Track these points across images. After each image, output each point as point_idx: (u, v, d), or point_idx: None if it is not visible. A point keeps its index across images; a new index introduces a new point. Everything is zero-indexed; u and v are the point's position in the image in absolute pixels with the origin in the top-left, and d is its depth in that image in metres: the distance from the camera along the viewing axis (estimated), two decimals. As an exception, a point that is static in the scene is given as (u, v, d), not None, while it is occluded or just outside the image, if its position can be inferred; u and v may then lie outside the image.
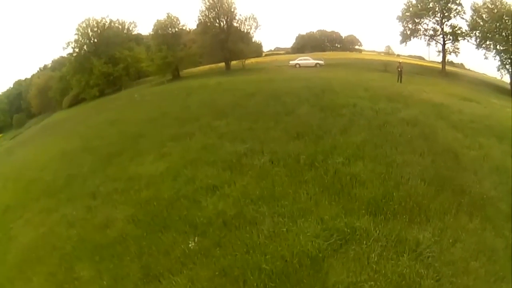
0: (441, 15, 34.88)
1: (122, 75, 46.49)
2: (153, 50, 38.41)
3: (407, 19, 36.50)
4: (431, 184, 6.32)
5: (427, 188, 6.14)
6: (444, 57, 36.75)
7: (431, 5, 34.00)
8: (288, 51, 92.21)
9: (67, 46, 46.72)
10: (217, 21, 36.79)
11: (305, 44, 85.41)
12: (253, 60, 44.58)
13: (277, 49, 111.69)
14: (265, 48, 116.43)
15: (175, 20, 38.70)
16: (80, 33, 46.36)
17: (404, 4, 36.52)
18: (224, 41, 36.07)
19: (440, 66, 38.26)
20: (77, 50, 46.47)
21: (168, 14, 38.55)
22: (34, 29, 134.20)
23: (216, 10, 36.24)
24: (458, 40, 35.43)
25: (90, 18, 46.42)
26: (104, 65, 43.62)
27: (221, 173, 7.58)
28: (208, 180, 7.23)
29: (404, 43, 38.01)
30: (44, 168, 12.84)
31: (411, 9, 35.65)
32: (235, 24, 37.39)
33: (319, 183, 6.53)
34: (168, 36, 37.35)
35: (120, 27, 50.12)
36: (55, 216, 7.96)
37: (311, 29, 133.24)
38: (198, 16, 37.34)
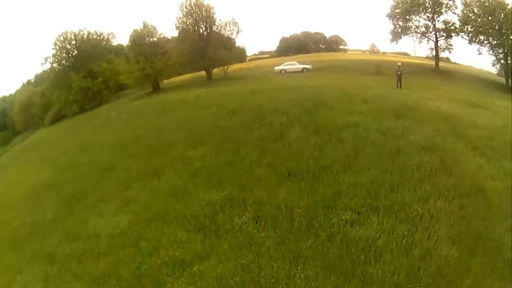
0: (433, 11, 33.36)
1: (101, 89, 44.29)
2: (131, 61, 35.95)
3: (397, 16, 34.72)
4: (462, 244, 5.04)
5: (459, 253, 4.85)
6: (437, 54, 35.16)
7: (421, 0, 32.34)
8: (272, 55, 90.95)
9: (45, 61, 44.52)
10: (196, 27, 34.72)
11: (289, 47, 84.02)
12: (236, 66, 42.83)
13: (261, 52, 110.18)
14: (249, 52, 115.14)
15: (152, 29, 36.41)
16: (57, 47, 44.02)
17: (393, 0, 34.97)
18: (203, 48, 33.86)
19: (429, 62, 36.82)
20: (55, 65, 44.44)
21: (144, 23, 36.25)
22: (19, 43, 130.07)
23: (194, 16, 34.09)
24: (451, 37, 33.82)
25: (67, 31, 44.15)
26: (83, 79, 41.53)
27: (191, 237, 6.02)
28: (175, 250, 5.70)
29: (395, 41, 36.50)
30: (13, 208, 11.67)
31: (400, 5, 33.95)
32: (215, 30, 35.28)
33: (321, 257, 4.92)
34: (145, 46, 35.09)
35: (98, 38, 48.09)
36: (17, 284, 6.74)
37: (295, 31, 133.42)
38: (176, 24, 35.16)
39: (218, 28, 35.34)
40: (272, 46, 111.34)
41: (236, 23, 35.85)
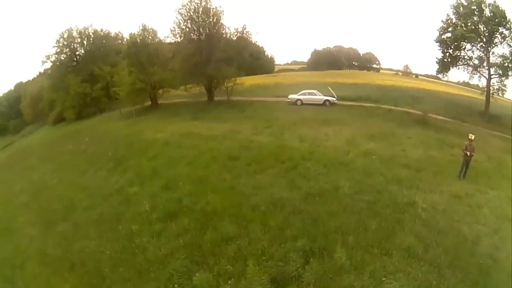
0: (488, 40, 26.23)
1: (100, 96, 40.47)
2: (124, 72, 31.53)
3: (448, 42, 27.34)
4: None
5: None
6: (488, 95, 27.56)
7: (479, 26, 25.23)
8: (303, 67, 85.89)
9: (47, 59, 41.66)
10: (196, 35, 28.50)
11: (321, 60, 78.85)
12: (252, 81, 37.01)
13: (294, 62, 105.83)
14: (282, 61, 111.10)
15: (151, 33, 31.76)
16: (60, 45, 40.97)
17: (442, 22, 27.80)
18: (201, 64, 27.28)
19: (468, 94, 29.10)
20: (57, 64, 41.34)
21: (144, 26, 31.78)
22: (38, 27, 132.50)
23: (196, 21, 27.71)
24: (507, 75, 26.20)
25: (72, 28, 41.22)
26: (81, 84, 38.47)
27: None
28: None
29: (443, 73, 29.40)
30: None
31: (450, 29, 26.90)
32: (221, 38, 28.79)
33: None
34: (141, 54, 30.25)
35: (104, 37, 44.79)
36: None
37: (328, 44, 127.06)
38: (172, 29, 28.61)
39: (225, 37, 28.83)
40: (305, 57, 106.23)
41: (248, 31, 29.27)
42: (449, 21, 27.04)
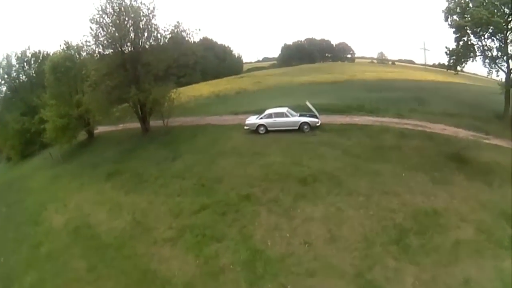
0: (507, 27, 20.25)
1: (40, 130, 32.02)
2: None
3: (467, 28, 20.61)
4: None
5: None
6: (509, 93, 21.27)
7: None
8: (274, 63, 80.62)
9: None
10: (116, 46, 20.29)
11: (292, 55, 73.30)
12: (212, 86, 29.90)
13: (265, 59, 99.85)
14: (253, 58, 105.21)
15: (77, 50, 23.85)
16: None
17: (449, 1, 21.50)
18: (123, 85, 19.86)
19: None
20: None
21: (66, 43, 23.91)
22: None
23: (113, 27, 19.51)
24: None
25: (9, 54, 34.24)
26: (19, 118, 31.77)
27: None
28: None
29: (456, 68, 23.22)
30: None
31: (469, 8, 19.93)
32: (151, 47, 21.10)
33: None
34: (62, 81, 22.68)
35: (44, 60, 36.38)
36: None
37: (299, 37, 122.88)
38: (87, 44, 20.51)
39: (159, 40, 21.00)
40: (276, 52, 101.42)
41: (186, 30, 21.29)
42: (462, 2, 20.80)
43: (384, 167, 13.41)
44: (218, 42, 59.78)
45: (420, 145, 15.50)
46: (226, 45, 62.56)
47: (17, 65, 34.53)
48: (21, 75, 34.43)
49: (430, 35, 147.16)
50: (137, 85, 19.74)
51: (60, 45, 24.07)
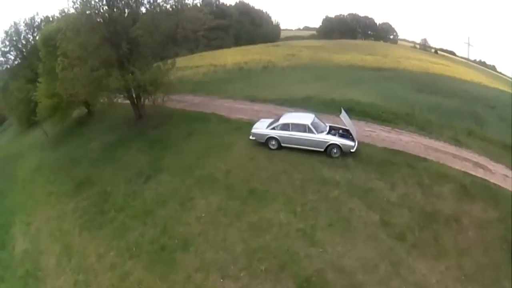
0: None
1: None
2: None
3: None
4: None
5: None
6: None
7: None
8: (313, 34, 74.62)
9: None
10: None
11: (333, 28, 66.52)
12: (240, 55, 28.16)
13: (306, 28, 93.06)
14: (293, 26, 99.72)
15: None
16: (6, 43, 32.65)
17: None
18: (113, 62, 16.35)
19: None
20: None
21: (61, 11, 21.28)
22: None
23: None
24: None
25: (16, 22, 32.71)
26: (23, 87, 29.96)
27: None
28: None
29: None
30: None
31: None
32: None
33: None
34: (53, 55, 20.16)
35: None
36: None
37: (342, 11, 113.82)
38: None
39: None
40: (316, 23, 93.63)
41: None
42: None
43: (432, 269, 8.26)
44: (255, 7, 57.28)
45: (483, 219, 9.79)
46: (264, 11, 59.43)
47: (26, 31, 33.09)
48: (30, 41, 32.74)
49: (474, 31, 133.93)
50: (121, 67, 16.35)
51: (54, 15, 21.41)
